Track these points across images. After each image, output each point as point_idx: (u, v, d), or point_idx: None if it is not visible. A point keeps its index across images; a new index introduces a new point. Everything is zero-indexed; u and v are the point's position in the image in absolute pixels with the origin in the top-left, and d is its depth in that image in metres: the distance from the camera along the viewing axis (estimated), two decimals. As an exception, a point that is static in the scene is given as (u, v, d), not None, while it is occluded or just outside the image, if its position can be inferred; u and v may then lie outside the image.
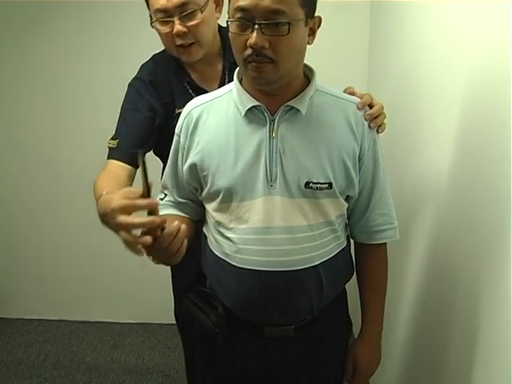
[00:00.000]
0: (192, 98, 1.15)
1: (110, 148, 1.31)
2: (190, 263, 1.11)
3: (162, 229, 0.90)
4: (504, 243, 0.93)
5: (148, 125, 1.33)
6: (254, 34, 0.91)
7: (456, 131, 1.20)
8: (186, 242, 0.96)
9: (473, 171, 1.10)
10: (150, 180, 0.87)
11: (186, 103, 1.13)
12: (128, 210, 0.88)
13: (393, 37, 1.88)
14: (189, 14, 1.24)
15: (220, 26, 1.37)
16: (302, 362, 1.15)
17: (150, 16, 1.30)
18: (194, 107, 1.09)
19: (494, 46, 1.01)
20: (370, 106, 1.09)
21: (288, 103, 1.02)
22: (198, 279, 1.18)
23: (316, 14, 0.99)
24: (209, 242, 1.14)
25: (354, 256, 1.21)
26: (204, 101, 1.10)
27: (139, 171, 0.88)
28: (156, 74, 1.37)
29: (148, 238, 0.87)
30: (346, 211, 1.12)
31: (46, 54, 2.44)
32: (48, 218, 2.65)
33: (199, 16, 1.25)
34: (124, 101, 1.38)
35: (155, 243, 0.89)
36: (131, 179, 1.26)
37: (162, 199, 1.18)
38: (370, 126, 1.07)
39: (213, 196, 1.07)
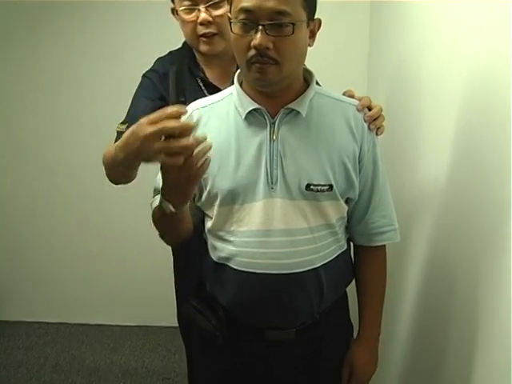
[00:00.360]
0: (203, 94, 1.14)
1: (118, 132, 1.31)
2: (194, 267, 1.10)
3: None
4: (503, 245, 0.92)
5: None
6: (259, 35, 0.90)
7: (456, 132, 1.20)
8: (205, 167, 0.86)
9: (472, 172, 1.09)
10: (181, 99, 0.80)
11: (196, 99, 1.12)
12: (156, 119, 0.79)
13: (393, 37, 1.88)
14: (215, 3, 1.27)
15: None
16: (303, 365, 1.14)
17: (173, 4, 1.33)
18: (195, 110, 1.09)
19: (493, 47, 1.00)
20: (369, 108, 1.09)
21: (288, 106, 1.02)
22: (201, 283, 1.18)
23: (316, 17, 0.99)
24: (209, 248, 1.13)
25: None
26: (204, 104, 1.09)
27: (170, 87, 0.81)
28: None
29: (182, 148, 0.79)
30: (346, 214, 1.11)
31: (47, 54, 2.45)
32: (48, 219, 2.65)
33: (225, 7, 1.24)
34: (137, 89, 1.41)
35: (184, 165, 0.82)
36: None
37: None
38: (369, 128, 1.07)
39: (212, 199, 1.06)
